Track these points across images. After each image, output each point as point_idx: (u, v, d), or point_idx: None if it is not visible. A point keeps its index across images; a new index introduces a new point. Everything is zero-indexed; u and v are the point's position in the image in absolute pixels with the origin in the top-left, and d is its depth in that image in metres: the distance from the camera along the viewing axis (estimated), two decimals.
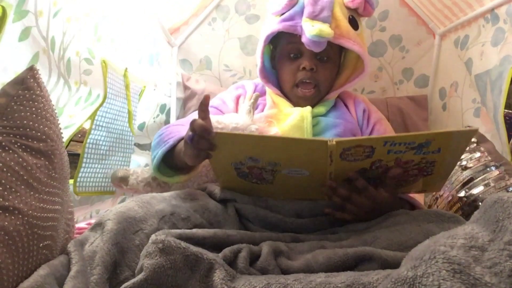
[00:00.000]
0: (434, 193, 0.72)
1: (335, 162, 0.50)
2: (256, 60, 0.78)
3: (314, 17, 0.69)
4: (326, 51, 0.70)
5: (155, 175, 0.72)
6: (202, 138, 0.50)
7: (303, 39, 0.69)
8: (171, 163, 0.68)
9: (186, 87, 1.06)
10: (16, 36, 0.50)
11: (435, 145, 0.48)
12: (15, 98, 0.42)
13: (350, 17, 0.73)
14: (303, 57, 0.72)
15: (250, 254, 0.43)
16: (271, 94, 0.77)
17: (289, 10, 0.72)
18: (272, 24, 0.73)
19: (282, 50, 0.75)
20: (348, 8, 0.73)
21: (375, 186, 0.54)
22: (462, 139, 0.49)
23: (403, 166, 0.52)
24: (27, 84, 0.44)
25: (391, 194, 0.55)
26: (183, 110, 1.06)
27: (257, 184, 0.58)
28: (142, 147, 0.97)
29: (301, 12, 0.71)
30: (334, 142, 0.48)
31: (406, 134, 0.48)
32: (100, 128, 0.78)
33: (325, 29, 0.67)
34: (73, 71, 0.65)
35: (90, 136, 0.76)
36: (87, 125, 0.76)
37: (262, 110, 0.76)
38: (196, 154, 0.53)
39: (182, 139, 0.61)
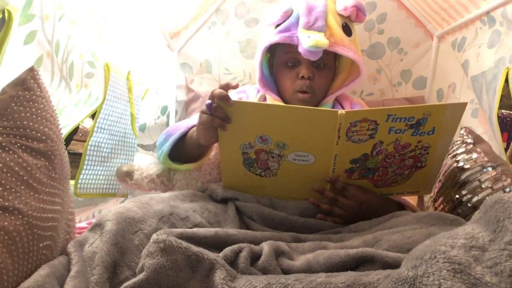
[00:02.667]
0: (432, 194, 0.72)
1: (341, 141, 0.53)
2: (255, 64, 0.79)
3: (309, 27, 0.71)
4: (322, 59, 0.73)
5: (162, 169, 0.74)
6: (220, 106, 0.53)
7: (300, 49, 0.71)
8: (178, 157, 0.71)
9: (189, 90, 1.06)
10: (22, 39, 0.51)
11: (430, 124, 0.53)
12: (15, 98, 0.42)
13: (344, 24, 0.76)
14: (300, 66, 0.74)
15: (251, 253, 0.43)
16: (272, 100, 0.79)
17: (284, 21, 0.74)
18: (269, 36, 0.75)
19: (280, 59, 0.77)
20: (341, 16, 0.76)
21: (372, 178, 0.58)
22: (453, 114, 0.53)
23: (400, 152, 0.55)
24: (27, 84, 0.44)
25: (369, 194, 0.59)
26: (185, 113, 1.06)
27: (260, 177, 0.59)
28: (145, 147, 0.97)
29: (296, 23, 0.73)
30: (344, 112, 0.51)
31: (406, 106, 0.53)
32: (102, 130, 0.79)
33: (321, 39, 0.69)
34: (75, 74, 0.65)
35: (92, 139, 0.77)
36: (87, 124, 0.77)
37: None
38: (210, 126, 0.55)
39: (192, 127, 0.65)
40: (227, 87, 0.54)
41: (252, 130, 0.54)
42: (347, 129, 0.52)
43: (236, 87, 0.55)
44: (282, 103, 0.77)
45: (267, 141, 0.55)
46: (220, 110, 0.53)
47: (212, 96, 0.53)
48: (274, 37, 0.74)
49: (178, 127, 0.71)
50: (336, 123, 0.52)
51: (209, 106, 0.54)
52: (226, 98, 0.52)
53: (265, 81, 0.80)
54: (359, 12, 0.76)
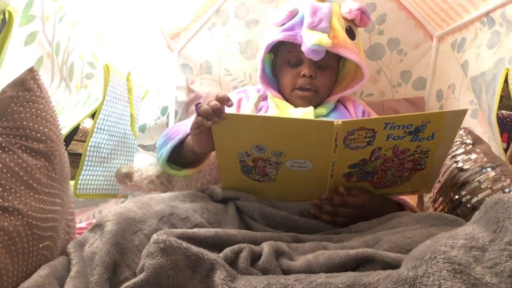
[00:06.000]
0: (432, 195, 0.72)
1: (338, 148, 0.53)
2: (256, 64, 0.81)
3: (313, 27, 0.72)
4: (325, 59, 0.73)
5: (162, 170, 0.75)
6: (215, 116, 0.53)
7: (303, 48, 0.72)
8: (177, 160, 0.71)
9: (190, 90, 1.06)
10: (22, 40, 0.51)
11: (430, 130, 0.52)
12: (15, 99, 0.43)
13: (347, 27, 0.76)
14: (303, 65, 0.75)
15: (251, 254, 0.43)
16: (272, 98, 0.79)
17: (289, 20, 0.75)
18: (274, 34, 0.76)
19: (283, 58, 0.78)
20: (345, 19, 0.77)
21: (371, 181, 0.58)
22: (453, 121, 0.53)
23: (399, 157, 0.55)
24: (27, 85, 0.44)
25: (369, 194, 0.59)
26: (186, 113, 1.06)
27: (259, 182, 0.59)
28: (146, 148, 0.98)
29: (300, 23, 0.74)
30: (340, 122, 0.51)
31: (404, 114, 0.52)
32: (102, 131, 0.79)
33: (324, 39, 0.70)
34: (75, 75, 0.66)
35: (92, 139, 0.77)
36: (87, 125, 0.77)
37: (266, 112, 0.78)
38: (199, 127, 0.55)
39: (190, 134, 0.65)
40: (222, 100, 0.54)
41: (248, 140, 0.54)
42: (344, 137, 0.52)
43: (230, 105, 0.54)
44: (281, 100, 0.78)
45: (263, 150, 0.55)
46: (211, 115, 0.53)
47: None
48: (278, 35, 0.75)
49: (178, 130, 0.71)
50: (333, 133, 0.51)
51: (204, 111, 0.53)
52: (219, 111, 0.52)
53: (266, 78, 0.81)
54: (363, 16, 0.77)
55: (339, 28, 0.74)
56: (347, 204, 0.57)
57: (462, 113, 0.53)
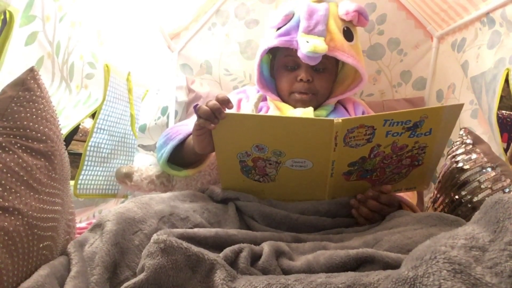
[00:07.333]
0: (432, 195, 0.72)
1: (338, 147, 0.53)
2: (254, 65, 0.80)
3: (309, 31, 0.72)
4: (322, 62, 0.73)
5: (162, 170, 0.75)
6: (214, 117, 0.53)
7: (299, 54, 0.71)
8: (177, 161, 0.72)
9: (190, 90, 1.06)
10: (23, 40, 0.51)
11: (427, 125, 0.53)
12: (15, 99, 0.43)
13: (345, 28, 0.76)
14: (300, 69, 0.75)
15: (251, 254, 0.43)
16: (272, 100, 0.79)
17: (285, 24, 0.74)
18: (270, 38, 0.76)
19: (280, 62, 0.78)
20: (343, 20, 0.76)
21: (370, 178, 0.58)
22: (450, 116, 0.54)
23: (398, 153, 0.55)
24: (27, 85, 0.44)
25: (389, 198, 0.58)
26: (186, 113, 1.06)
27: (259, 182, 0.59)
28: (146, 148, 0.98)
29: (296, 27, 0.73)
30: (340, 120, 0.51)
31: (403, 110, 0.53)
32: (102, 131, 0.79)
33: (320, 45, 0.69)
34: (76, 75, 0.66)
35: (92, 139, 0.77)
36: (87, 125, 0.77)
37: (266, 113, 0.78)
38: (202, 128, 0.56)
39: (190, 134, 0.65)
40: (222, 102, 0.54)
41: (248, 140, 0.54)
42: (344, 135, 0.52)
43: (231, 107, 0.55)
44: (281, 102, 0.78)
45: (263, 150, 0.55)
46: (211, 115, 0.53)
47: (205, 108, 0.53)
48: (273, 40, 0.75)
49: (178, 130, 0.71)
50: (333, 132, 0.52)
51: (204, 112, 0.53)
52: (219, 111, 0.52)
53: (264, 82, 0.81)
54: (361, 17, 0.76)
55: (336, 31, 0.73)
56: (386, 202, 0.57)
57: (458, 107, 0.54)
